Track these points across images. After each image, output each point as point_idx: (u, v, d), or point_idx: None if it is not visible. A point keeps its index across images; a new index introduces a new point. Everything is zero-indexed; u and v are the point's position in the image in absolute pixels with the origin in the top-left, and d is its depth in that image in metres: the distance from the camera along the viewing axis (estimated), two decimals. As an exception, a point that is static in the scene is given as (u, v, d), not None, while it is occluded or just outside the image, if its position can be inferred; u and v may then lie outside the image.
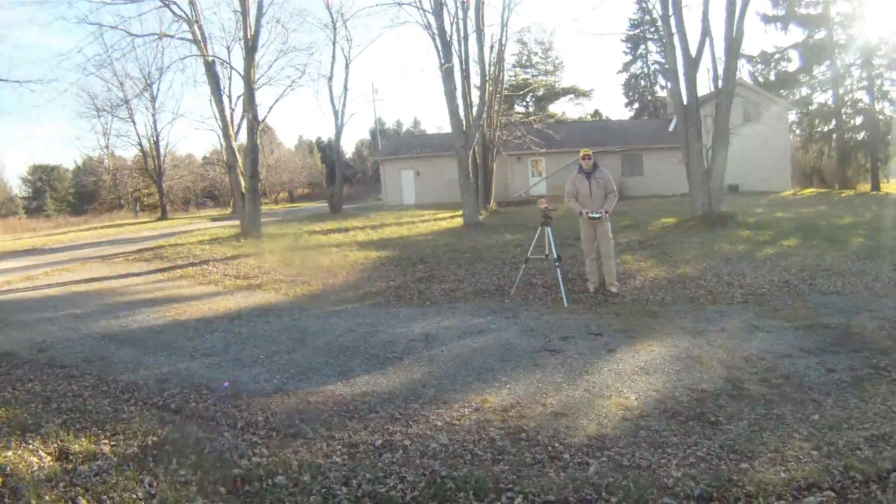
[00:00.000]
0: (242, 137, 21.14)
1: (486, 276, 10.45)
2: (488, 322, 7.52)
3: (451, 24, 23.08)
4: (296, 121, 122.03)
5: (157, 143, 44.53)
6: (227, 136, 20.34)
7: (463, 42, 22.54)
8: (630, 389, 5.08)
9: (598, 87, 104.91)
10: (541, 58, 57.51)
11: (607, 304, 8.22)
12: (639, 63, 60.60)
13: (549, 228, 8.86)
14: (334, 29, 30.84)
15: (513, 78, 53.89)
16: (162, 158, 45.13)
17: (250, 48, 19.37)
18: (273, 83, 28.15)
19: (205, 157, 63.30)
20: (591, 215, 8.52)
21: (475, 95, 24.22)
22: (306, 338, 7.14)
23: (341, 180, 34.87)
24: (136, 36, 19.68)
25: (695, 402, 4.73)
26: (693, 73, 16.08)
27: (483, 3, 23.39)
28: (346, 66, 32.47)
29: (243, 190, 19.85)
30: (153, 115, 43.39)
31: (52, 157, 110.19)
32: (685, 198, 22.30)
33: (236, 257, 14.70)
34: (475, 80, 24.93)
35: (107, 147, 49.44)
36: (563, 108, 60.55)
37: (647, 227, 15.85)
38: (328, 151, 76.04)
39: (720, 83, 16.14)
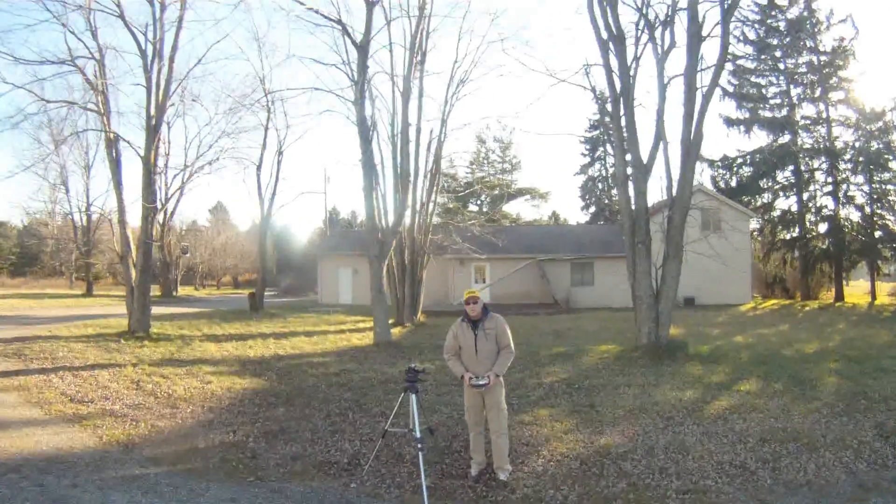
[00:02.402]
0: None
1: (350, 434, 8.00)
2: (306, 531, 5.08)
3: (390, 117, 21.53)
4: (250, 205, 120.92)
5: (88, 214, 42.24)
6: (121, 221, 18.04)
7: (400, 136, 20.71)
8: None
9: (556, 189, 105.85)
10: (498, 156, 56.86)
11: (486, 504, 5.78)
12: (597, 165, 60.23)
13: (414, 395, 6.42)
14: (268, 112, 28.81)
15: (469, 175, 53.03)
16: (92, 231, 42.56)
17: (152, 128, 17.45)
18: (201, 172, 26.57)
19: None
20: (474, 382, 6.18)
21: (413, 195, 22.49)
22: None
23: (262, 281, 32.06)
24: (47, 101, 18.14)
25: None
26: (643, 181, 14.23)
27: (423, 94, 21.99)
28: (279, 153, 29.99)
29: (133, 283, 17.36)
30: (86, 185, 41.40)
31: (4, 211, 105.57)
32: (636, 313, 20.41)
33: (96, 367, 12.68)
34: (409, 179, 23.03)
35: (52, 212, 47.47)
36: (519, 209, 59.86)
37: (581, 359, 13.56)
38: (281, 238, 74.05)
39: (674, 191, 14.22)
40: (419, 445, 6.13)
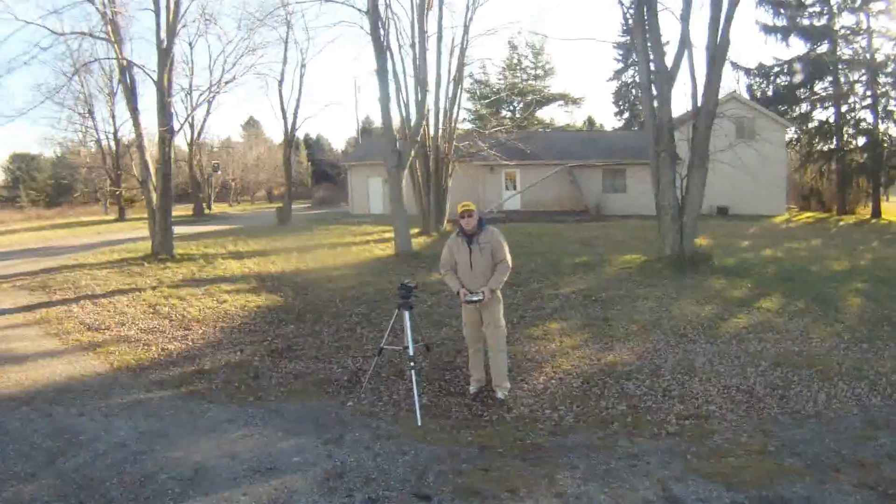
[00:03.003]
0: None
1: (355, 350, 8.05)
2: (295, 450, 5.17)
3: (410, 23, 20.81)
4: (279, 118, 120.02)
5: (116, 139, 42.04)
6: (139, 146, 18.01)
7: (418, 45, 19.98)
8: None
9: (591, 95, 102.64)
10: (531, 62, 55.17)
11: (479, 424, 5.70)
12: (630, 71, 57.95)
13: (408, 312, 6.25)
14: (287, 27, 27.93)
15: (501, 81, 51.83)
16: (122, 156, 42.45)
17: (164, 51, 17.03)
18: (223, 91, 26.01)
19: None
20: (468, 298, 5.99)
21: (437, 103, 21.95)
22: (64, 452, 5.26)
23: (289, 195, 32.21)
24: (59, 34, 17.37)
25: None
26: (667, 87, 13.52)
27: (443, 3, 21.09)
28: (302, 66, 29.49)
29: (154, 207, 17.41)
30: (111, 111, 41.02)
31: (36, 145, 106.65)
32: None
33: (116, 293, 12.65)
34: (431, 87, 22.32)
35: (83, 140, 47.58)
36: (553, 115, 58.53)
37: (603, 269, 13.29)
38: (315, 149, 73.72)
39: (699, 99, 13.56)
40: (411, 364, 6.04)
